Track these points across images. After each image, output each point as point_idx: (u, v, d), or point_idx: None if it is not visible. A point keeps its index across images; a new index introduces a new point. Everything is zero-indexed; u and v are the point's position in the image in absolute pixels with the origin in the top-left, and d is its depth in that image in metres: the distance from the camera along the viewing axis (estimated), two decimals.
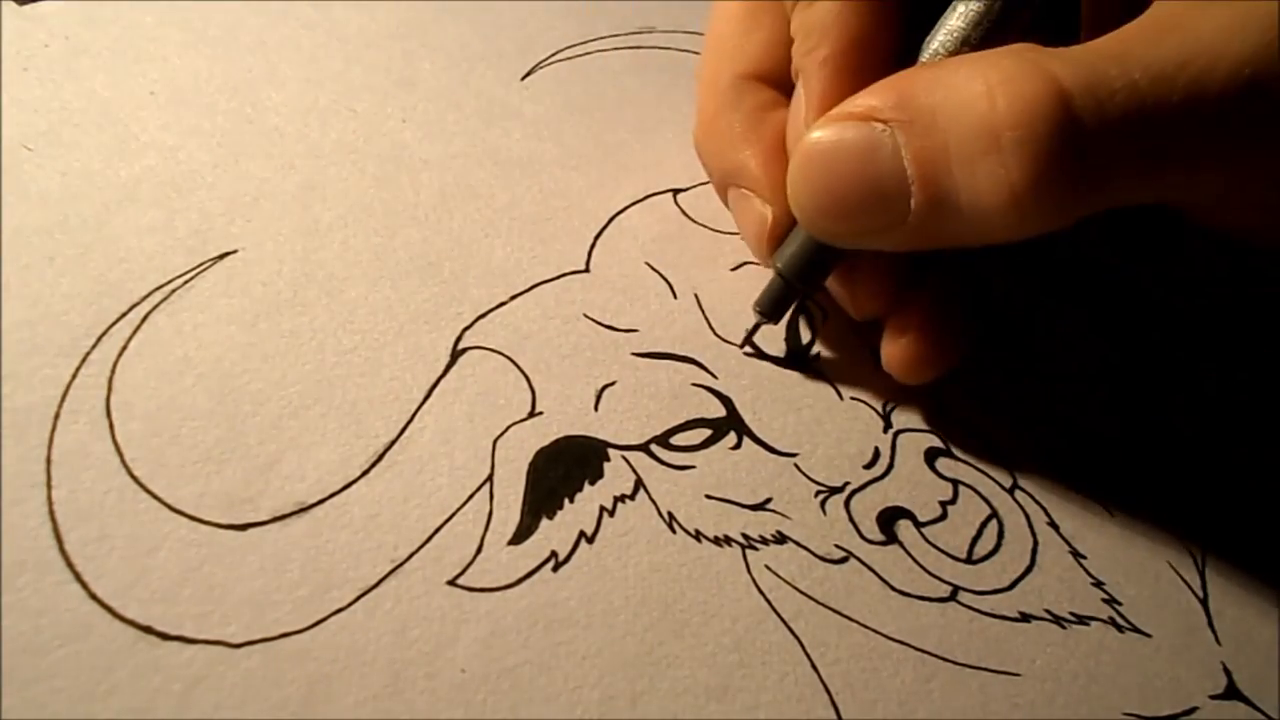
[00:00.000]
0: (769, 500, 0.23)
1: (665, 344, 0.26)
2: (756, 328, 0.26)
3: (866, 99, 0.20)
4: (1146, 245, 0.29)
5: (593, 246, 0.28)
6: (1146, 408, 0.26)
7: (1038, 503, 0.24)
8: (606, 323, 0.26)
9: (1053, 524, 0.24)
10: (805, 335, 0.27)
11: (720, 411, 0.24)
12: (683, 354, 0.25)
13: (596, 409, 0.24)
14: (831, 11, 0.22)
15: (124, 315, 0.24)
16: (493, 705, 0.20)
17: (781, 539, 0.23)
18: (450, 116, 0.30)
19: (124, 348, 0.24)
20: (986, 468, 0.24)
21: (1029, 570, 0.23)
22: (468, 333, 0.25)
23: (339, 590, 0.21)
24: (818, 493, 0.23)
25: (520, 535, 0.22)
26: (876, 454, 0.24)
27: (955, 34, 0.21)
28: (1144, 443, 0.26)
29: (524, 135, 0.30)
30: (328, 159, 0.28)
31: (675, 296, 0.27)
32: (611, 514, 0.23)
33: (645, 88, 0.33)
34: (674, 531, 0.22)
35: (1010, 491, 0.24)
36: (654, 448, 0.24)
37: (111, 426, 0.22)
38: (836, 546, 0.23)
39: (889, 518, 0.23)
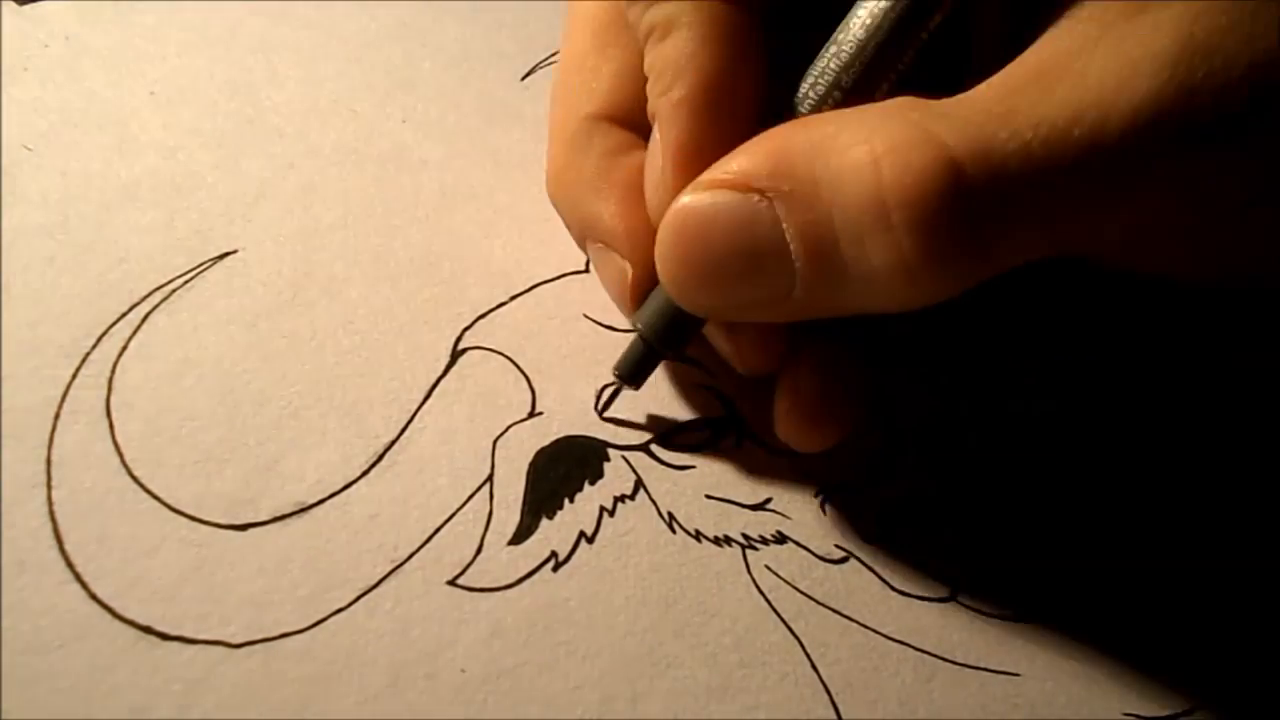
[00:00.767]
0: (769, 500, 0.23)
1: None
2: (616, 393, 0.24)
3: (740, 162, 0.18)
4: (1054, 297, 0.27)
5: None
6: (1099, 392, 0.26)
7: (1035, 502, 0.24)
8: (606, 323, 0.26)
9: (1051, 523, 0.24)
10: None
11: (720, 411, 0.24)
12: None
13: (596, 409, 0.24)
14: (685, 48, 0.20)
15: (124, 315, 0.24)
16: (493, 705, 0.20)
17: (781, 539, 0.23)
18: (450, 116, 0.30)
19: (124, 348, 0.24)
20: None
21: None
22: (468, 333, 0.25)
23: (339, 590, 0.21)
24: (818, 493, 0.23)
25: (520, 535, 0.22)
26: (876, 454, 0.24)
27: (827, 77, 0.19)
28: (1113, 435, 0.25)
29: (524, 135, 0.30)
30: (328, 159, 0.28)
31: None
32: (611, 514, 0.23)
33: None
34: (674, 531, 0.22)
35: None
36: (654, 448, 0.24)
37: (111, 427, 0.22)
38: (836, 546, 0.23)
39: (889, 518, 0.23)
